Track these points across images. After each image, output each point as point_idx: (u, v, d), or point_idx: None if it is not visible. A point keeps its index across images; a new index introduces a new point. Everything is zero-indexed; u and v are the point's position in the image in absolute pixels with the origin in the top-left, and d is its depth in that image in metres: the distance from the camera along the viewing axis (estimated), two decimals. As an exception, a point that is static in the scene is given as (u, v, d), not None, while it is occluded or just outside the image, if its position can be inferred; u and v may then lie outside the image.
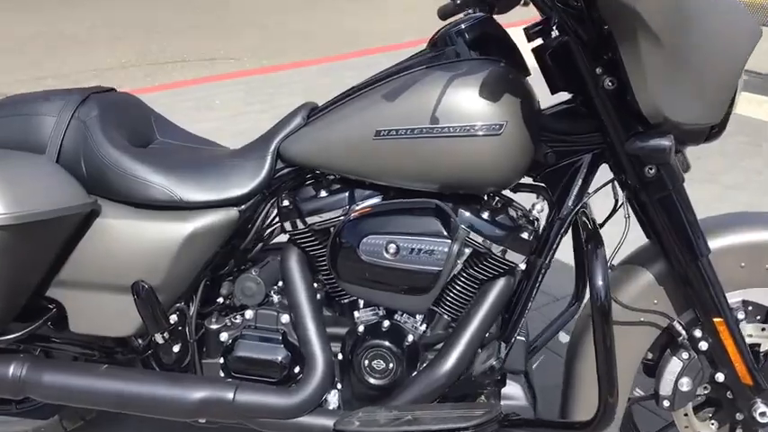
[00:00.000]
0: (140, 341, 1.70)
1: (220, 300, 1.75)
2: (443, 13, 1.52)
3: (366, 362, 1.58)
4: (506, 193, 1.62)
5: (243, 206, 1.62)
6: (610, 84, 1.36)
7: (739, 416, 1.53)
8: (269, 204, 1.67)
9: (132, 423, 2.00)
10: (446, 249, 1.46)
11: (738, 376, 1.49)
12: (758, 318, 1.53)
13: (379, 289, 1.53)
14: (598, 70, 1.36)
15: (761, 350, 1.53)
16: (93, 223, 1.63)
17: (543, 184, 1.59)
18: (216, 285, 1.75)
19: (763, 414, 1.49)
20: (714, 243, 1.47)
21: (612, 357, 1.40)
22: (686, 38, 1.26)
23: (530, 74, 1.56)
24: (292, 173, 1.63)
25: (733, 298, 1.51)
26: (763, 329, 1.52)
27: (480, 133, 1.42)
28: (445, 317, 1.60)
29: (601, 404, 1.45)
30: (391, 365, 1.57)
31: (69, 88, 1.76)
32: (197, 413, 1.63)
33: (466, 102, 1.42)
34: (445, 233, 1.47)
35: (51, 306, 1.69)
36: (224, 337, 1.71)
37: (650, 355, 1.60)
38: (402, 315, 1.61)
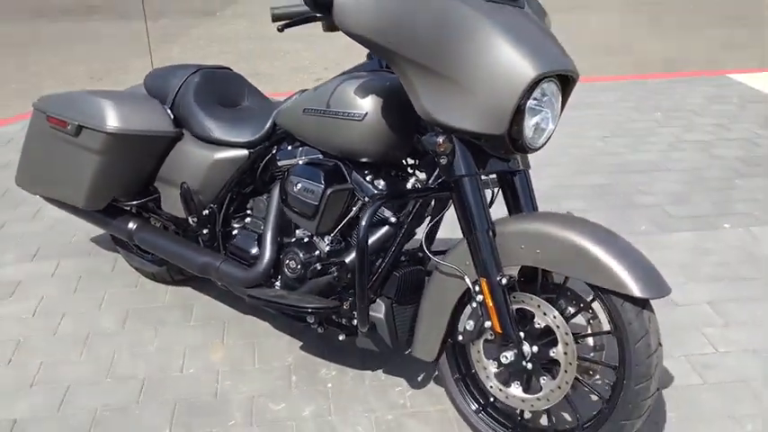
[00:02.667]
0: (192, 222, 2.70)
1: (249, 210, 2.68)
2: (274, 17, 2.05)
3: (287, 261, 2.39)
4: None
5: (251, 150, 2.53)
6: None
7: (503, 359, 2.00)
8: (272, 152, 2.54)
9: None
10: (320, 191, 2.20)
11: (494, 327, 1.98)
12: (540, 292, 1.98)
13: (291, 211, 2.32)
14: None
15: (538, 322, 1.97)
16: (176, 145, 2.68)
17: (424, 166, 2.23)
18: (247, 200, 2.69)
19: (505, 357, 1.97)
20: (509, 227, 1.96)
21: (364, 269, 2.02)
22: (446, 59, 1.78)
23: None
24: (285, 132, 2.48)
25: (511, 270, 1.98)
26: (531, 299, 1.96)
27: (349, 118, 2.12)
28: (344, 245, 2.33)
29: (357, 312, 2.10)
30: (299, 266, 2.35)
31: (198, 64, 2.84)
32: (203, 271, 2.61)
33: (344, 94, 2.13)
34: (324, 182, 2.20)
35: (155, 191, 2.81)
36: (234, 232, 2.65)
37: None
38: (319, 237, 2.36)
